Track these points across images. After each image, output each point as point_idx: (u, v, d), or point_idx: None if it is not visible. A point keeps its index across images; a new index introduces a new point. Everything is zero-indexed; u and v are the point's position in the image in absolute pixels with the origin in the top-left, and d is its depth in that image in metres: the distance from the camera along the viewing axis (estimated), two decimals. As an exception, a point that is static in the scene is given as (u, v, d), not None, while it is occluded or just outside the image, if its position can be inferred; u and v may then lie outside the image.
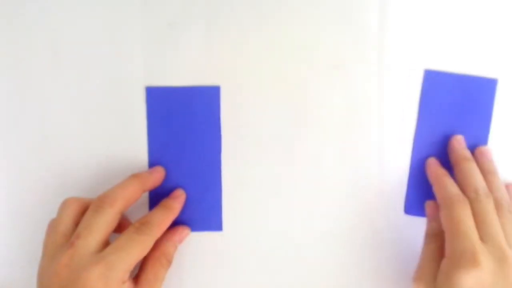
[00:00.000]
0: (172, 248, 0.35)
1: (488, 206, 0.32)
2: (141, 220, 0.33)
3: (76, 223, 0.33)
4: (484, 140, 0.38)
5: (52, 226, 0.34)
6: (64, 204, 0.34)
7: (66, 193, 0.38)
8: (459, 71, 0.37)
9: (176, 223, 0.36)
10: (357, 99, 0.38)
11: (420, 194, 0.38)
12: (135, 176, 0.35)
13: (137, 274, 0.33)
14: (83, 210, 0.33)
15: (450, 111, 0.38)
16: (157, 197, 0.37)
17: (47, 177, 0.38)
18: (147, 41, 0.37)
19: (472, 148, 0.37)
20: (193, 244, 0.38)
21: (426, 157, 0.38)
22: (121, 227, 0.34)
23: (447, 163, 0.37)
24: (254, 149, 0.38)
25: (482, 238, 0.30)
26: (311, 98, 0.38)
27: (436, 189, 0.35)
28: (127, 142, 0.38)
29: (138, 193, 0.34)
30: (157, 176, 0.37)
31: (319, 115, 0.38)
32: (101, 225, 0.32)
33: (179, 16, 0.37)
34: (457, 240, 0.30)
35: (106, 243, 0.32)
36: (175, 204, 0.36)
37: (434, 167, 0.36)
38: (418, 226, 0.38)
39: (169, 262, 0.35)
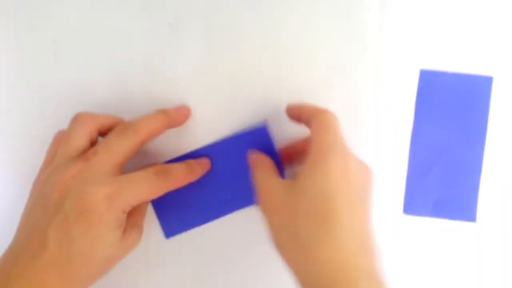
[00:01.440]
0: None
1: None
2: (164, 166, 0.33)
3: (90, 141, 0.32)
4: (481, 138, 0.38)
5: (64, 138, 0.32)
6: (79, 120, 0.33)
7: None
8: (455, 69, 0.38)
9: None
10: (355, 99, 0.38)
11: (419, 194, 0.38)
12: (162, 111, 0.35)
13: None
14: (97, 130, 0.33)
15: (447, 109, 0.38)
16: None
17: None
18: (147, 41, 0.38)
19: (470, 147, 0.38)
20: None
21: (424, 156, 0.38)
22: None
23: (446, 162, 0.37)
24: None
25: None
26: (310, 98, 0.38)
27: (306, 106, 0.34)
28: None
29: (162, 128, 0.34)
30: (183, 113, 0.36)
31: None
32: (121, 148, 0.31)
33: (179, 17, 0.38)
34: (327, 134, 0.30)
35: (119, 170, 0.31)
36: (199, 168, 0.35)
37: (290, 105, 0.35)
38: (417, 225, 0.38)
39: None
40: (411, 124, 0.38)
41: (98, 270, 0.31)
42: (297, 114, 0.34)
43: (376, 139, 0.38)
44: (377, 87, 0.38)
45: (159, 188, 0.32)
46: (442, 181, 0.38)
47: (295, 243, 0.28)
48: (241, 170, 0.36)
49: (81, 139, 0.32)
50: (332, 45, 0.38)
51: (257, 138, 0.36)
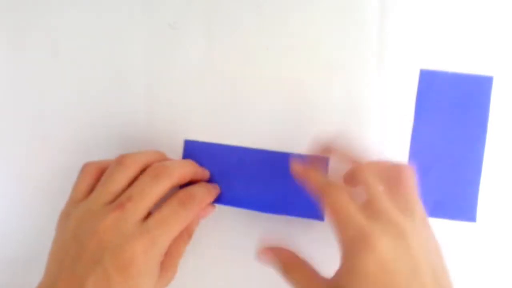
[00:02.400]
0: (195, 224, 0.35)
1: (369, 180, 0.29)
2: (185, 191, 0.32)
3: (128, 185, 0.32)
4: (481, 138, 0.38)
5: (106, 179, 0.32)
6: (124, 165, 0.32)
7: (66, 192, 0.38)
8: (455, 69, 0.38)
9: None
10: (355, 99, 0.38)
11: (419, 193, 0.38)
12: (191, 161, 0.35)
13: None
14: (139, 173, 0.32)
15: (447, 109, 0.38)
16: None
17: (47, 176, 0.38)
18: (148, 41, 0.38)
19: (470, 147, 0.38)
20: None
21: (424, 156, 0.38)
22: None
23: (445, 162, 0.37)
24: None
25: (371, 216, 0.27)
26: (310, 98, 0.38)
27: (307, 186, 0.31)
28: (127, 142, 0.38)
29: (190, 177, 0.34)
30: (205, 176, 0.36)
31: (318, 114, 0.38)
32: (154, 193, 0.31)
33: (179, 16, 0.38)
34: (343, 228, 0.27)
35: (150, 213, 0.31)
36: (214, 190, 0.35)
37: (295, 166, 0.33)
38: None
39: (190, 238, 0.34)
40: (411, 124, 0.38)
41: None
42: (302, 179, 0.32)
43: (376, 139, 0.38)
44: (377, 87, 0.38)
45: (188, 218, 0.32)
46: (442, 181, 0.38)
47: None
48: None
49: (122, 185, 0.31)
50: (332, 45, 0.38)
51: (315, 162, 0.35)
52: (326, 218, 0.30)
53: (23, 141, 0.38)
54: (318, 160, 0.35)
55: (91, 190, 0.32)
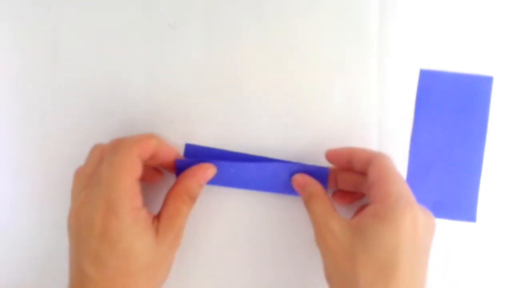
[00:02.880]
0: (195, 185, 0.34)
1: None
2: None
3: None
4: (481, 137, 0.38)
5: (79, 171, 0.34)
6: (93, 148, 0.34)
7: (67, 193, 0.38)
8: (455, 69, 0.38)
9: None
10: (355, 99, 0.38)
11: (419, 194, 0.38)
12: (156, 136, 0.34)
13: (160, 210, 0.33)
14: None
15: (447, 109, 0.38)
16: None
17: (47, 176, 0.38)
18: (148, 41, 0.38)
19: (470, 147, 0.38)
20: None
21: (424, 156, 0.38)
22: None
23: (445, 162, 0.37)
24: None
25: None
26: (310, 98, 0.38)
27: (358, 152, 0.34)
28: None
29: (151, 149, 0.33)
30: (174, 153, 0.35)
31: (318, 114, 0.38)
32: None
33: (179, 16, 0.38)
34: (393, 184, 0.30)
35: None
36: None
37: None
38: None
39: (192, 199, 0.34)
40: (411, 124, 0.38)
41: (148, 281, 0.31)
42: (346, 159, 0.34)
43: (376, 139, 0.38)
44: (377, 87, 0.38)
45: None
46: (442, 181, 0.38)
47: (351, 285, 0.29)
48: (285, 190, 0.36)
49: (94, 166, 0.33)
50: (332, 45, 0.38)
51: (314, 175, 0.35)
52: (374, 174, 0.31)
53: (23, 141, 0.38)
54: (318, 171, 0.35)
55: None
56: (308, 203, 0.33)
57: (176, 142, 0.38)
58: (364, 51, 0.38)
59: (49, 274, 0.38)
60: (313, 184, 0.34)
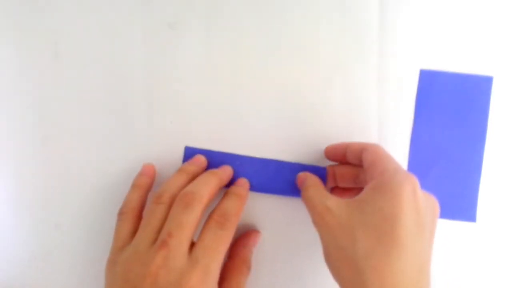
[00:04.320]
0: (249, 254, 0.35)
1: None
2: (218, 212, 0.32)
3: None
4: (481, 137, 0.38)
5: (146, 221, 0.32)
6: (159, 200, 0.32)
7: (67, 193, 0.38)
8: (455, 69, 0.38)
9: None
10: (355, 99, 0.38)
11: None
12: (212, 173, 0.35)
13: (219, 283, 0.32)
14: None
15: (447, 109, 0.38)
16: None
17: (47, 176, 0.38)
18: (148, 41, 0.38)
19: (470, 147, 0.38)
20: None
21: (424, 156, 0.38)
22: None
23: (445, 162, 0.37)
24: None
25: None
26: (310, 98, 0.38)
27: (352, 144, 0.34)
28: (126, 142, 0.38)
29: (217, 191, 0.34)
30: (229, 172, 0.36)
31: (318, 114, 0.38)
32: (192, 222, 0.31)
33: (179, 16, 0.38)
34: (389, 163, 0.31)
35: (192, 241, 0.31)
36: (244, 191, 0.35)
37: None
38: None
39: (249, 269, 0.35)
40: (411, 124, 0.38)
41: None
42: (341, 152, 0.35)
43: (376, 139, 0.38)
44: (377, 87, 0.38)
45: (229, 236, 0.32)
46: (442, 181, 0.38)
47: (350, 264, 0.28)
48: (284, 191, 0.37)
49: (163, 221, 0.32)
50: (332, 45, 0.38)
51: (313, 174, 0.36)
52: (370, 158, 0.32)
53: (23, 141, 0.38)
54: (317, 170, 0.36)
55: (132, 233, 0.32)
56: (304, 193, 0.33)
57: (176, 142, 0.38)
58: (364, 51, 0.38)
59: (49, 274, 0.38)
60: (310, 177, 0.35)
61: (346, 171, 0.35)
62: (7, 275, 0.38)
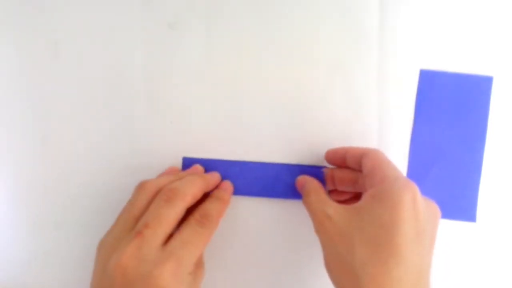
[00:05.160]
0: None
1: None
2: (200, 212, 0.32)
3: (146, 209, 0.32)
4: (481, 137, 0.38)
5: (128, 205, 0.32)
6: (144, 187, 0.33)
7: (66, 193, 0.38)
8: (455, 69, 0.38)
9: None
10: (355, 99, 0.38)
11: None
12: (200, 175, 0.35)
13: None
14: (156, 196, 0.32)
15: (447, 109, 0.38)
16: None
17: (47, 176, 0.38)
18: (148, 42, 0.38)
19: (470, 147, 0.38)
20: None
21: (424, 156, 0.38)
22: None
23: (445, 162, 0.37)
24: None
25: None
26: (310, 98, 0.38)
27: (352, 149, 0.35)
28: (126, 142, 0.38)
29: (201, 193, 0.34)
30: (217, 179, 0.37)
31: (318, 114, 0.38)
32: (171, 217, 0.31)
33: (179, 16, 0.38)
34: (389, 170, 0.30)
35: (170, 235, 0.31)
36: (227, 196, 0.36)
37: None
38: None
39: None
40: (411, 124, 0.38)
41: None
42: (341, 156, 0.35)
43: (376, 139, 0.38)
44: (377, 87, 0.38)
45: (208, 235, 0.32)
46: (442, 181, 0.38)
47: (349, 272, 0.28)
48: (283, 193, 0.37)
49: (141, 208, 0.32)
50: (332, 45, 0.38)
51: (311, 174, 0.36)
52: (370, 165, 0.32)
53: (23, 141, 0.38)
54: (314, 171, 0.37)
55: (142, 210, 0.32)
56: (305, 198, 0.34)
57: (176, 142, 0.38)
58: (364, 51, 0.38)
59: (49, 274, 0.38)
60: (311, 182, 0.35)
61: (345, 175, 0.35)
62: (7, 275, 0.38)
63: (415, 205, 0.28)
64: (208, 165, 0.37)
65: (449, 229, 0.38)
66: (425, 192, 0.37)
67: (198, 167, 0.37)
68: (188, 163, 0.37)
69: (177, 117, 0.38)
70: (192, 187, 0.33)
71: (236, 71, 0.38)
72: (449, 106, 0.38)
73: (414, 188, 0.29)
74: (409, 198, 0.28)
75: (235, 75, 0.38)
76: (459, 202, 0.38)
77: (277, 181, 0.37)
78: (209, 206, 0.34)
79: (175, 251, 0.29)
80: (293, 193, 0.37)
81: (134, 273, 0.29)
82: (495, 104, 0.38)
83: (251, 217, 0.38)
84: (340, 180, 0.36)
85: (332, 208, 0.31)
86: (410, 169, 0.38)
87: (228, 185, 0.37)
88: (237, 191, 0.37)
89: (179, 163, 0.38)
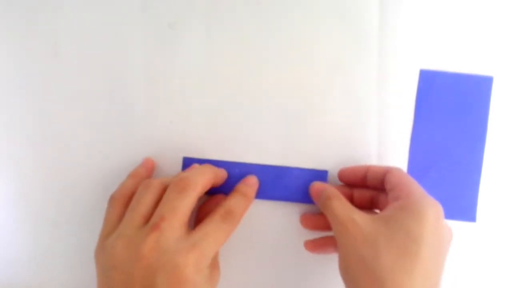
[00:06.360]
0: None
1: None
2: (225, 208, 0.33)
3: (156, 205, 0.32)
4: (481, 137, 0.38)
5: (133, 204, 0.32)
6: (148, 185, 0.33)
7: (66, 192, 0.38)
8: (455, 69, 0.38)
9: None
10: (355, 99, 0.38)
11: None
12: (209, 166, 0.35)
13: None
14: (163, 192, 0.32)
15: (447, 109, 0.38)
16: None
17: (47, 176, 0.38)
18: (148, 41, 0.38)
19: (470, 147, 0.38)
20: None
21: (424, 156, 0.38)
22: None
23: (445, 162, 0.37)
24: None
25: None
26: (310, 98, 0.38)
27: (373, 167, 0.35)
28: (126, 142, 0.38)
29: (211, 183, 0.34)
30: (224, 174, 0.37)
31: (318, 115, 0.38)
32: (185, 207, 0.31)
33: (179, 16, 0.38)
34: (414, 186, 0.32)
35: (188, 227, 0.31)
36: (252, 192, 0.36)
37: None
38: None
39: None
40: (411, 124, 0.38)
41: None
42: (362, 175, 0.35)
43: (376, 139, 0.38)
44: (377, 87, 0.38)
45: (230, 231, 0.32)
46: (442, 181, 0.38)
47: (371, 276, 0.29)
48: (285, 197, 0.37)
49: (151, 206, 0.32)
50: (332, 45, 0.38)
51: (315, 178, 0.37)
52: (395, 179, 0.33)
53: (23, 141, 0.38)
54: (317, 174, 0.37)
55: (121, 218, 0.32)
56: (326, 202, 0.33)
57: (176, 142, 0.38)
58: (364, 51, 0.38)
59: (49, 274, 0.38)
60: (331, 187, 0.35)
61: (365, 193, 0.36)
62: (7, 275, 0.38)
63: (439, 223, 0.30)
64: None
65: (449, 229, 0.38)
66: (426, 190, 0.37)
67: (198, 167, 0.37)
68: (188, 163, 0.37)
69: (177, 117, 0.38)
70: (203, 178, 0.33)
71: (236, 71, 0.38)
72: (449, 106, 0.38)
73: (439, 207, 0.31)
74: (434, 215, 0.30)
75: (235, 75, 0.38)
76: (459, 202, 0.38)
77: (277, 184, 0.37)
78: (234, 202, 0.34)
79: (198, 242, 0.30)
80: (293, 195, 0.37)
81: (156, 265, 0.29)
82: (495, 104, 0.38)
83: (249, 219, 0.38)
84: (359, 199, 0.36)
85: (357, 213, 0.32)
86: (410, 169, 0.38)
87: (254, 181, 0.37)
88: None
89: (179, 163, 0.38)
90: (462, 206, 0.38)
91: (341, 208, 0.32)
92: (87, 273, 0.38)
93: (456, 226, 0.38)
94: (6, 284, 0.38)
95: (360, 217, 0.31)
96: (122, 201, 0.33)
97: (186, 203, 0.31)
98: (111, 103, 0.38)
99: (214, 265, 0.33)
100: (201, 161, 0.37)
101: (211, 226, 0.31)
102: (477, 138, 0.38)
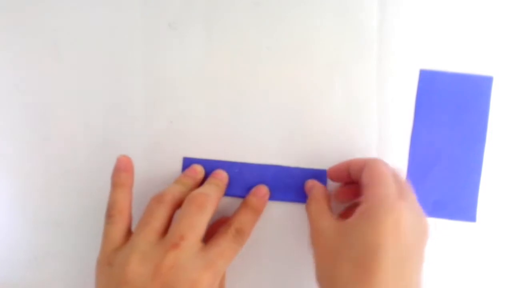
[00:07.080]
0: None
1: None
2: (236, 226, 0.33)
3: (169, 220, 0.32)
4: (481, 137, 0.38)
5: (146, 220, 0.32)
6: (160, 200, 0.32)
7: (67, 193, 0.38)
8: (455, 69, 0.38)
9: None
10: (355, 99, 0.38)
11: (419, 194, 0.37)
12: (215, 184, 0.35)
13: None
14: (175, 207, 0.33)
15: (447, 109, 0.38)
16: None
17: (48, 176, 0.38)
18: (148, 41, 0.38)
19: (470, 147, 0.38)
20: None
21: (424, 156, 0.38)
22: None
23: (445, 162, 0.37)
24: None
25: (401, 192, 0.30)
26: (310, 98, 0.38)
27: (354, 161, 0.34)
28: (126, 142, 0.38)
29: (221, 196, 0.35)
30: (226, 181, 0.37)
31: (318, 115, 0.38)
32: (203, 224, 0.31)
33: (179, 16, 0.38)
34: (380, 186, 0.30)
35: (202, 240, 0.31)
36: (262, 206, 0.36)
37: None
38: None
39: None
40: (411, 124, 0.38)
41: None
42: (345, 171, 0.34)
43: (376, 139, 0.38)
44: (377, 87, 0.38)
45: (239, 250, 0.33)
46: (442, 181, 0.38)
47: (331, 286, 0.29)
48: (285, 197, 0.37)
49: (165, 221, 0.32)
50: (332, 45, 0.38)
51: (315, 178, 0.37)
52: (367, 178, 0.31)
53: (24, 141, 0.38)
54: (316, 173, 0.37)
55: (125, 234, 0.32)
56: (307, 205, 0.34)
57: (176, 142, 0.38)
58: (364, 51, 0.38)
59: (49, 274, 0.38)
60: (317, 188, 0.35)
61: (349, 191, 0.35)
62: (7, 275, 0.38)
63: (399, 228, 0.28)
64: (208, 165, 0.37)
65: (449, 229, 0.38)
66: (425, 192, 0.38)
67: (198, 167, 0.37)
68: (188, 163, 0.38)
69: (177, 117, 0.38)
70: (216, 193, 0.34)
71: (236, 70, 0.38)
72: (449, 106, 0.38)
73: (400, 209, 0.28)
74: (392, 220, 0.28)
75: (235, 74, 0.38)
76: (459, 202, 0.38)
77: (276, 183, 0.37)
78: (245, 219, 0.34)
79: (214, 261, 0.30)
80: (293, 195, 0.37)
81: (174, 282, 0.29)
82: (495, 104, 0.38)
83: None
84: (342, 195, 0.36)
85: (326, 221, 0.31)
86: (410, 169, 0.38)
87: (264, 192, 0.37)
88: (235, 192, 0.37)
89: (179, 163, 0.38)
90: (462, 206, 0.38)
91: (314, 213, 0.32)
92: (87, 274, 0.38)
93: (456, 226, 0.38)
94: (6, 284, 0.38)
95: (327, 226, 0.31)
96: (121, 217, 0.33)
97: (204, 219, 0.31)
98: (111, 103, 0.38)
99: (221, 281, 0.34)
100: (201, 161, 0.37)
101: (224, 245, 0.32)
102: (477, 138, 0.38)
